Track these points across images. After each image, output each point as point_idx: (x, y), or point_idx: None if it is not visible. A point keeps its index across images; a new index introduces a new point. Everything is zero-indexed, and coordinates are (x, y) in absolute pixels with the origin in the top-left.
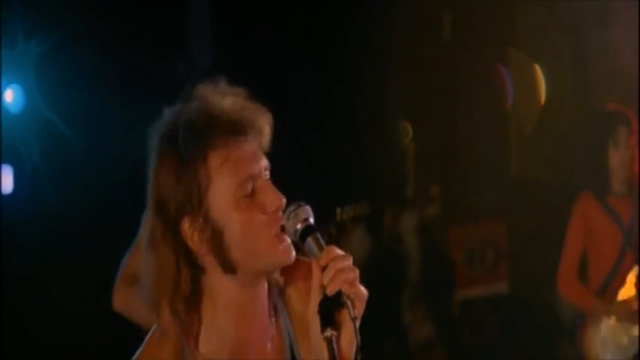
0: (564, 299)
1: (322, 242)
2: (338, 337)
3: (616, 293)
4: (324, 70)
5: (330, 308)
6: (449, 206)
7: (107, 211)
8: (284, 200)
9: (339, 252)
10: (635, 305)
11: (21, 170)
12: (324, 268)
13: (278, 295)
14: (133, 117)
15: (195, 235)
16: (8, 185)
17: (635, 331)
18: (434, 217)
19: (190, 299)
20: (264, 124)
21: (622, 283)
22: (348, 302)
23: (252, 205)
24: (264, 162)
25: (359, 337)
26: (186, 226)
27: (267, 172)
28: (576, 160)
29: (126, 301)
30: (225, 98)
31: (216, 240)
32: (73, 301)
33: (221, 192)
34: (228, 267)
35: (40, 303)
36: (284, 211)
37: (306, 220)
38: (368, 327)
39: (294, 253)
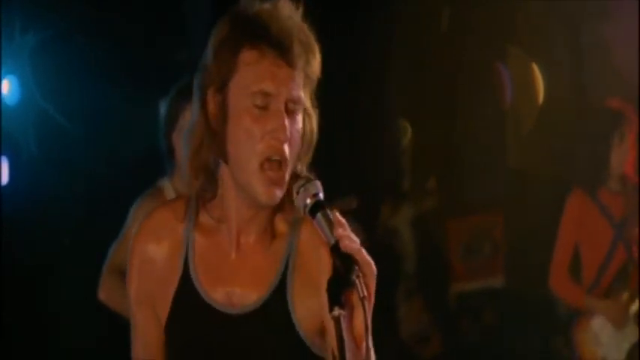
0: (556, 295)
1: (332, 218)
2: (347, 317)
3: (608, 287)
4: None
5: (340, 288)
6: (445, 199)
7: (104, 202)
8: (284, 135)
9: (349, 231)
10: (625, 303)
11: (17, 162)
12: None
13: (294, 232)
14: (130, 108)
15: (213, 107)
16: (4, 177)
17: (627, 329)
18: (430, 209)
19: (210, 177)
20: (311, 66)
21: (614, 277)
22: (358, 281)
23: (259, 119)
24: (294, 92)
25: (368, 317)
26: (209, 94)
27: (294, 105)
28: (573, 153)
29: (111, 291)
30: (292, 21)
31: (222, 123)
32: (71, 291)
33: (238, 87)
34: (222, 153)
35: (38, 294)
36: (295, 185)
37: (316, 195)
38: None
39: (273, 195)
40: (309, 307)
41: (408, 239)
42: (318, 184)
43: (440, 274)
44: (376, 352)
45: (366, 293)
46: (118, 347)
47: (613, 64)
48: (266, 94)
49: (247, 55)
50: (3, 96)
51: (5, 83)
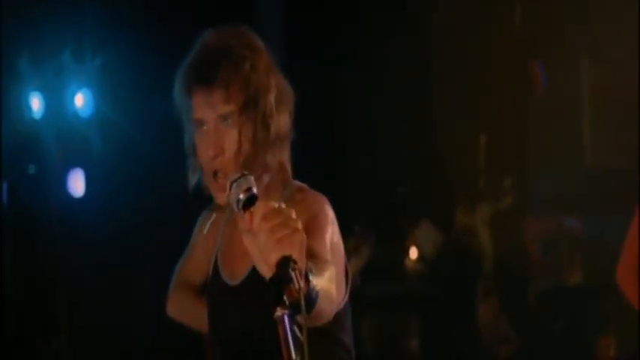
0: (622, 292)
1: None
2: (290, 316)
3: None
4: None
5: (279, 286)
6: (522, 197)
7: (176, 212)
8: (215, 151)
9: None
10: None
11: (93, 173)
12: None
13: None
14: None
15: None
16: (80, 189)
17: None
18: (507, 208)
19: None
20: (230, 69)
21: None
22: (294, 274)
23: (202, 142)
24: (221, 110)
25: (304, 309)
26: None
27: (226, 120)
28: None
29: (179, 306)
30: (212, 40)
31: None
32: (144, 301)
33: (192, 119)
34: (201, 168)
35: (109, 308)
36: (229, 181)
37: (249, 189)
38: (441, 321)
39: (221, 197)
40: None
41: (486, 239)
42: (251, 178)
43: (518, 274)
44: (455, 352)
45: (303, 285)
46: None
47: None
48: (199, 120)
49: (192, 91)
50: (78, 109)
51: (79, 97)
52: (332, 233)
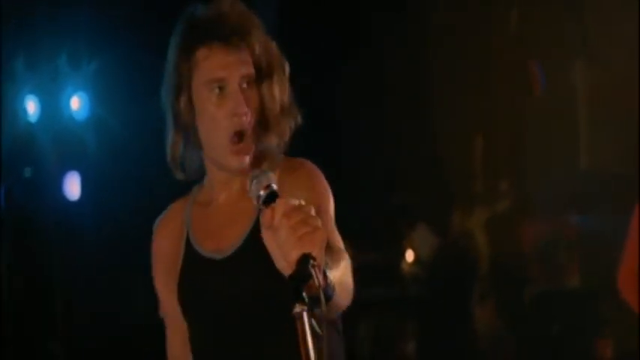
0: (622, 296)
1: None
2: (309, 312)
3: None
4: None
5: (298, 282)
6: (519, 200)
7: None
8: (242, 110)
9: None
10: None
11: (88, 176)
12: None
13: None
14: None
15: (182, 107)
16: (75, 192)
17: None
18: (504, 211)
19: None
20: (253, 34)
21: None
22: (314, 270)
23: (219, 103)
24: (245, 71)
25: (325, 306)
26: (178, 97)
27: (248, 81)
28: None
29: None
30: (227, 6)
31: (192, 118)
32: (141, 302)
33: (198, 82)
34: (197, 142)
35: (106, 310)
36: (249, 177)
37: (269, 186)
38: (437, 324)
39: (243, 161)
40: None
41: (482, 242)
42: (271, 175)
43: (516, 275)
44: (452, 354)
45: (322, 282)
46: None
47: None
48: (219, 80)
49: (200, 54)
50: (74, 113)
51: (75, 100)
52: (332, 206)
